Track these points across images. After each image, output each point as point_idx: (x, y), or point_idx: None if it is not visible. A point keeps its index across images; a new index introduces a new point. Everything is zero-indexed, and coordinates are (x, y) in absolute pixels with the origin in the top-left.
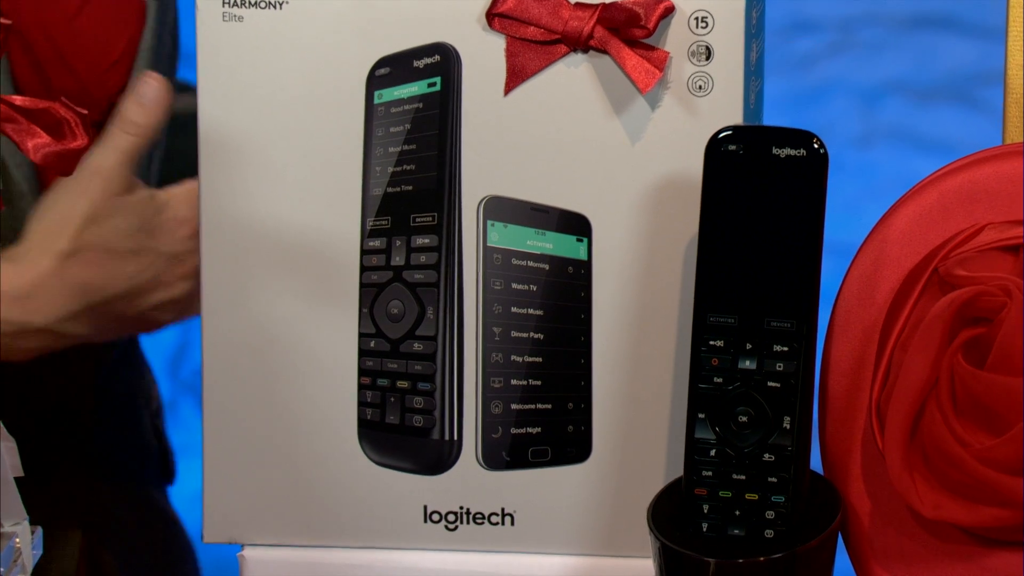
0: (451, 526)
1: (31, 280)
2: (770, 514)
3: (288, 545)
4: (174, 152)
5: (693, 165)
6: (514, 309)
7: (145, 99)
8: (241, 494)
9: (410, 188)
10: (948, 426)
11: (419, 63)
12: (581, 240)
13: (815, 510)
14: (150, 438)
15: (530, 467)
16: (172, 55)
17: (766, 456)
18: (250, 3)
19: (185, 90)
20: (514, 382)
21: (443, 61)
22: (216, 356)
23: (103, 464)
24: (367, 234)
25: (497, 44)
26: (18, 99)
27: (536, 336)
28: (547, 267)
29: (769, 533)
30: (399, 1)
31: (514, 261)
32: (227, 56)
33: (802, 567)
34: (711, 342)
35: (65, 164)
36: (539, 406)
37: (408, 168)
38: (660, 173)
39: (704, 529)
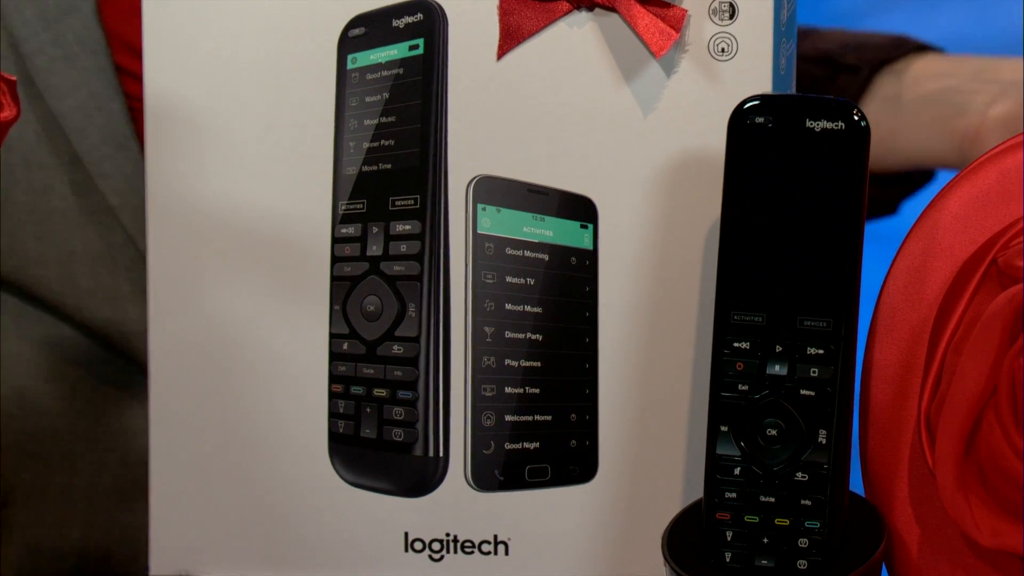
0: (436, 556)
1: None
2: (803, 542)
3: None
4: None
5: (715, 140)
6: (508, 306)
7: None
8: (194, 519)
9: (388, 167)
10: (1009, 440)
11: (399, 22)
12: (586, 226)
13: (855, 538)
14: None
15: (527, 488)
16: None
17: (799, 475)
18: None
19: None
20: (508, 390)
21: (426, 20)
22: (165, 361)
23: None
24: (339, 220)
25: (489, 0)
26: None
27: (534, 337)
28: (546, 258)
29: (802, 564)
30: None
31: (508, 251)
32: (177, 15)
33: None
34: (735, 344)
35: None
36: (537, 418)
37: (386, 144)
38: (677, 149)
39: (727, 559)
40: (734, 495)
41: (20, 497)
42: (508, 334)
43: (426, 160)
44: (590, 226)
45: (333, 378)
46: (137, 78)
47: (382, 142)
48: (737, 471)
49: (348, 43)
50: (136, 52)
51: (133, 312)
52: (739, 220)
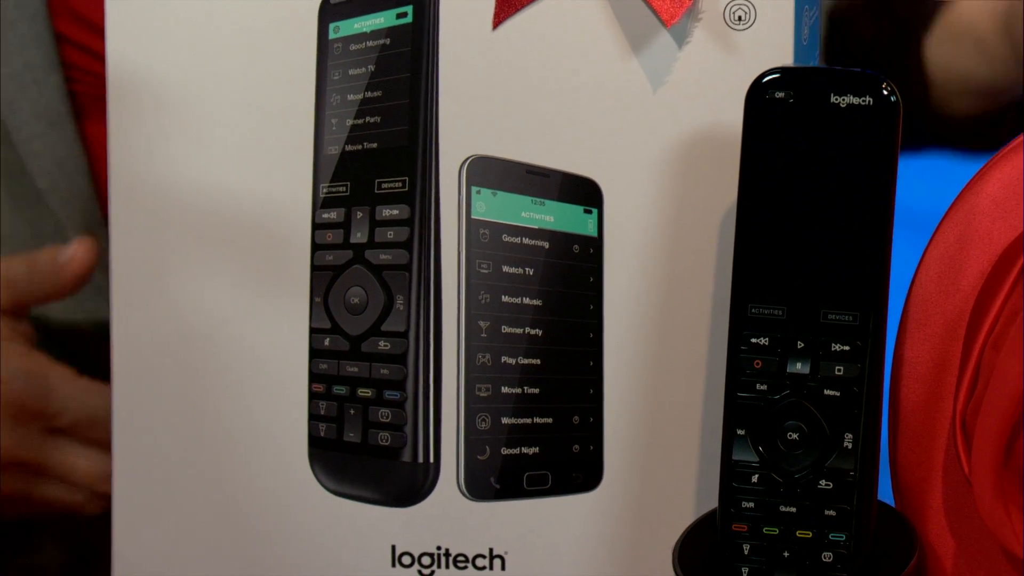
0: (426, 571)
1: None
2: (827, 556)
3: None
4: None
5: (731, 117)
6: (505, 298)
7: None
8: (161, 531)
9: (374, 146)
10: None
11: None
12: (590, 211)
13: (884, 551)
14: None
15: (525, 497)
16: None
17: (822, 483)
18: None
19: None
20: (505, 390)
21: None
22: (129, 359)
23: None
24: (320, 204)
25: None
26: None
27: (533, 332)
28: (547, 245)
29: None
30: None
31: (505, 238)
32: None
33: None
34: (753, 339)
35: None
36: (537, 420)
37: (372, 121)
38: (689, 127)
39: (744, 575)
40: (752, 505)
41: None
42: (505, 329)
43: (415, 139)
44: (594, 211)
45: (314, 377)
46: (80, 47)
47: (367, 119)
48: (755, 479)
49: (330, 10)
50: (81, 20)
51: (56, 310)
52: (757, 204)
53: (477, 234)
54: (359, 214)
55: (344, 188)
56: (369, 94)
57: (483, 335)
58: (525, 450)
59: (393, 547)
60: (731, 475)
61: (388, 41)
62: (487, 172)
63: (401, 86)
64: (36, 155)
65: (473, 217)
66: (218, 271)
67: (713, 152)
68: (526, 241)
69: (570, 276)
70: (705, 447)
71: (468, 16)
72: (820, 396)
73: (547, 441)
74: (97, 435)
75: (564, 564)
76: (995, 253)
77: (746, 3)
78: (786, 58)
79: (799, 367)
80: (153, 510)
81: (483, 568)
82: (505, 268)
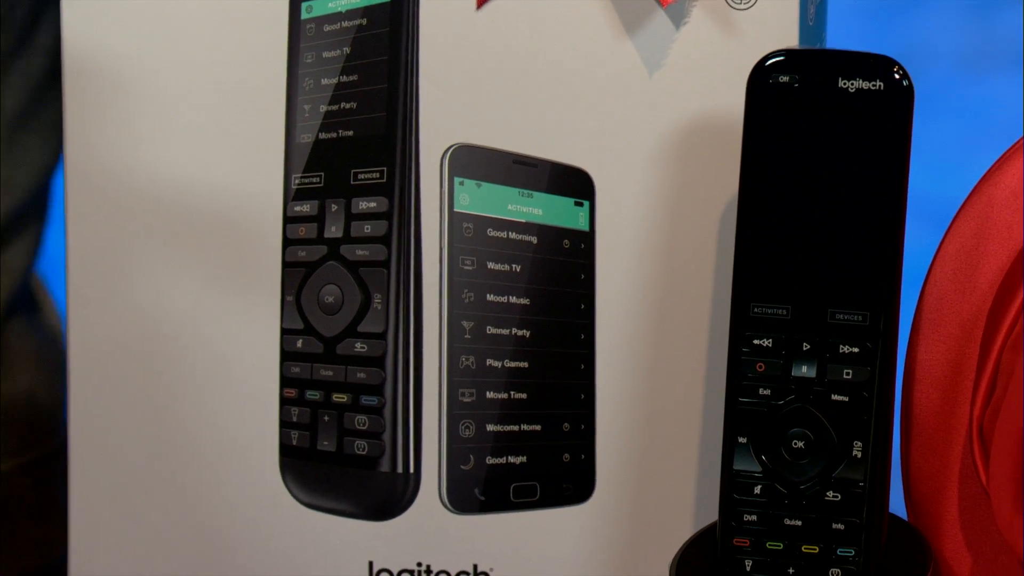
0: None
1: None
2: (835, 573)
3: None
4: None
5: (732, 102)
6: (490, 297)
7: None
8: (121, 545)
9: (350, 134)
10: None
11: None
12: (581, 204)
13: (896, 567)
14: None
15: (512, 509)
16: None
17: (830, 494)
18: None
19: None
20: (491, 395)
21: None
22: (86, 361)
23: None
24: (292, 196)
25: None
26: None
27: (520, 333)
28: (535, 240)
29: None
30: None
31: (490, 232)
32: None
33: None
34: (756, 341)
35: None
36: (524, 427)
37: (347, 107)
38: (687, 113)
39: None
40: (754, 518)
41: None
42: (490, 330)
43: (394, 126)
44: (586, 203)
45: (285, 381)
46: None
47: (342, 105)
48: (758, 490)
49: None
50: None
51: None
52: (760, 196)
53: (460, 228)
54: (334, 207)
55: (318, 179)
56: (344, 78)
57: (467, 336)
58: (512, 459)
59: (371, 563)
60: (732, 486)
61: (365, 21)
62: (471, 162)
63: (379, 70)
64: None
65: (456, 210)
66: (182, 266)
67: (713, 140)
68: (513, 236)
69: (560, 273)
70: (704, 456)
71: None
72: (827, 401)
73: (535, 450)
74: None
75: None
76: (1015, 248)
77: None
78: (791, 40)
79: (805, 370)
80: (113, 523)
81: None
82: (490, 265)
